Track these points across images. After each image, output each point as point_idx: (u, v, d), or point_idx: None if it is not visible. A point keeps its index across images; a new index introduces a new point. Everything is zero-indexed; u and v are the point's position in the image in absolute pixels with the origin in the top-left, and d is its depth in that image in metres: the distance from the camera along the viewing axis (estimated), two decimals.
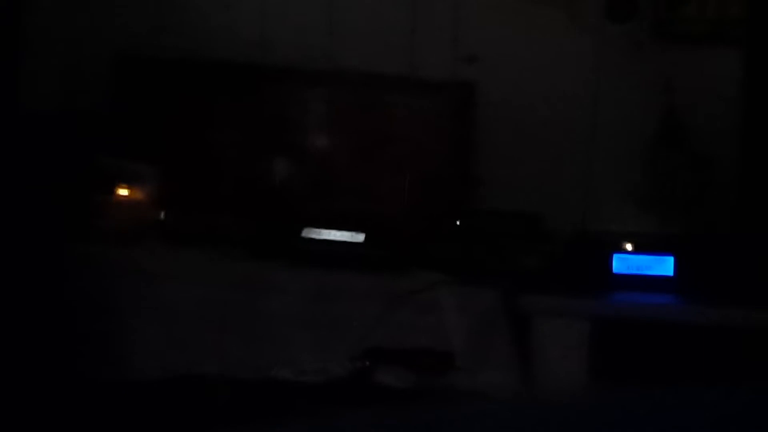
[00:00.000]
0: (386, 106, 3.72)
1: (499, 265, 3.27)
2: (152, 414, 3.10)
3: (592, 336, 3.10)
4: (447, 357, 3.11)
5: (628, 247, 3.24)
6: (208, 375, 3.14)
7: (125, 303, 3.19)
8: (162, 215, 3.45)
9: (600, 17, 3.69)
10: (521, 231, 3.37)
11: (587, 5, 3.70)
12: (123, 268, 3.24)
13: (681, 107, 3.64)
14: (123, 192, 3.43)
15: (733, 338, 3.05)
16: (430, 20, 3.73)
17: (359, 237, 3.28)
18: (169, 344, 3.15)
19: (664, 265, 3.21)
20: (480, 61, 3.72)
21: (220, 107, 3.73)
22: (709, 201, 3.60)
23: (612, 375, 3.05)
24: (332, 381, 3.08)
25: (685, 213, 3.56)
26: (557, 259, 3.29)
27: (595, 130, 3.71)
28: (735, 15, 3.65)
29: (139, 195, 3.45)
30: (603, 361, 3.08)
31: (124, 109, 3.70)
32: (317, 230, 3.30)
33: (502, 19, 3.72)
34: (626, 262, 3.23)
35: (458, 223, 3.41)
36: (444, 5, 3.73)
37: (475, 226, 3.39)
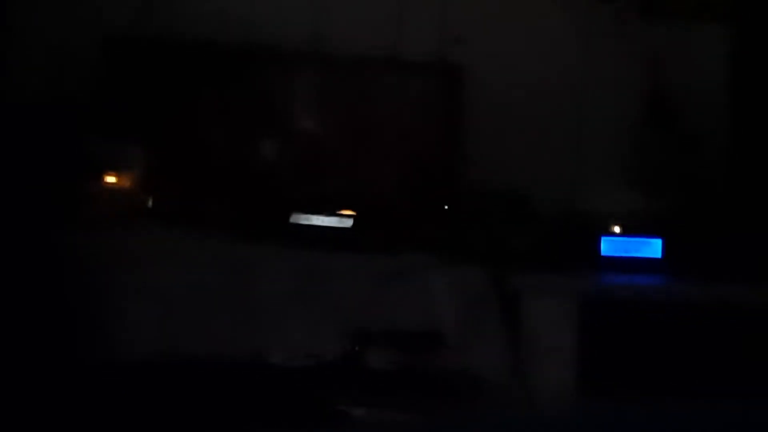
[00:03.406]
0: (374, 88, 3.71)
1: (488, 246, 3.28)
2: (141, 396, 3.11)
3: (580, 315, 3.11)
4: (437, 337, 3.12)
5: (617, 229, 3.25)
6: (197, 358, 3.15)
7: (114, 286, 3.19)
8: (150, 199, 3.45)
9: None
10: (510, 212, 3.37)
11: None
12: (112, 252, 3.24)
13: (669, 86, 3.64)
14: (111, 176, 3.43)
15: (718, 319, 3.06)
16: (417, 2, 3.72)
17: (347, 222, 3.28)
18: (158, 327, 3.16)
19: (652, 248, 3.22)
20: (467, 42, 3.71)
21: (208, 90, 3.72)
22: (697, 179, 3.60)
23: (600, 355, 3.07)
24: (322, 364, 3.09)
25: (673, 192, 3.56)
26: (546, 241, 3.29)
27: (582, 110, 3.70)
28: None
29: (127, 179, 3.44)
30: (591, 340, 3.10)
31: (111, 92, 3.69)
32: (306, 216, 3.30)
33: None
34: (614, 244, 3.24)
35: (447, 204, 3.41)
36: None
37: (464, 207, 3.39)
